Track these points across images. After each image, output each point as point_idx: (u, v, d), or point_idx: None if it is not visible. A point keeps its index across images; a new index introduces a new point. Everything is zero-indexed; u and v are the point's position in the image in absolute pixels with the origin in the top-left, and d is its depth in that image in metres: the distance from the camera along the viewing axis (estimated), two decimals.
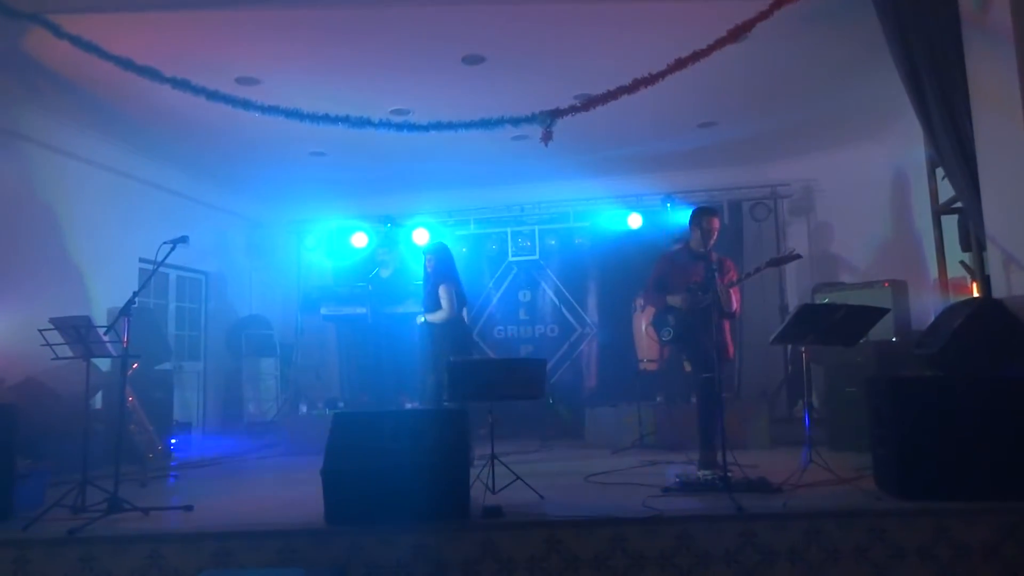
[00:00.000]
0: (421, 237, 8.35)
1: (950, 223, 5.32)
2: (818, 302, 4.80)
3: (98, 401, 6.63)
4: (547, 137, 4.21)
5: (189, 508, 4.08)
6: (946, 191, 5.25)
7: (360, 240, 8.57)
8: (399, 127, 4.21)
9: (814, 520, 3.55)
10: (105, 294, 7.07)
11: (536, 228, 8.51)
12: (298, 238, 9.09)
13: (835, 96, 6.61)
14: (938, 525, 3.49)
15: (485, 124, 4.22)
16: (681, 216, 7.91)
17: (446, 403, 4.75)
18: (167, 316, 8.33)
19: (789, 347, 7.92)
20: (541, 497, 4.05)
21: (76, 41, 4.04)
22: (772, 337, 3.93)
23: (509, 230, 8.56)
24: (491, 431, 4.25)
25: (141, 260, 7.78)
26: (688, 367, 6.36)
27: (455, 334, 5.29)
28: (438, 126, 4.22)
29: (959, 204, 4.80)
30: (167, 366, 7.63)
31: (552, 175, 8.45)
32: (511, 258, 8.56)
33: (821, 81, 6.26)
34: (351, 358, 8.08)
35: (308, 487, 4.81)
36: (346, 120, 4.16)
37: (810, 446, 4.08)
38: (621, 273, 7.96)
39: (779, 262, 4.17)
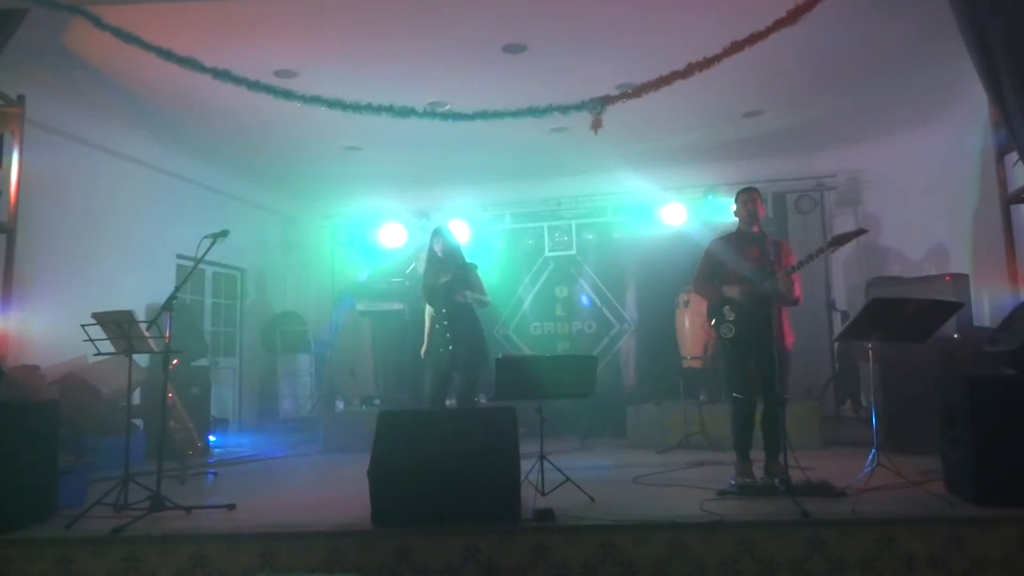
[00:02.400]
0: (456, 231, 8.19)
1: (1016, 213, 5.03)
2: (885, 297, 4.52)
3: (136, 397, 6.64)
4: (597, 125, 4.04)
5: (232, 507, 4.00)
6: (1015, 180, 4.98)
7: (395, 235, 8.47)
8: (443, 116, 4.07)
9: (886, 527, 3.36)
10: (144, 290, 7.07)
11: (573, 223, 8.32)
12: (332, 234, 9.03)
13: (886, 83, 6.35)
14: (1021, 533, 3.29)
15: (532, 112, 4.08)
16: (723, 210, 7.71)
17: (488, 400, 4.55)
18: (203, 312, 8.32)
19: (836, 344, 7.69)
20: (592, 499, 3.90)
21: (117, 32, 3.98)
22: (839, 333, 3.73)
23: (546, 224, 8.38)
24: (540, 430, 4.10)
25: (179, 256, 7.79)
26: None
27: (482, 329, 5.01)
28: (483, 115, 4.08)
29: None
30: (204, 362, 7.63)
31: (590, 168, 8.29)
32: (547, 253, 8.38)
33: (872, 67, 6.00)
34: (387, 355, 7.97)
35: (350, 487, 4.73)
36: (389, 110, 4.04)
37: (877, 448, 3.86)
38: (661, 268, 7.74)
39: (844, 239, 3.93)
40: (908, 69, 6.01)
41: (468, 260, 5.14)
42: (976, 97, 6.17)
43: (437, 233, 5.13)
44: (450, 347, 4.77)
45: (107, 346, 4.18)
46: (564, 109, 4.01)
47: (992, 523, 3.33)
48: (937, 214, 7.41)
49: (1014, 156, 4.88)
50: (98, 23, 4.01)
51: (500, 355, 4.67)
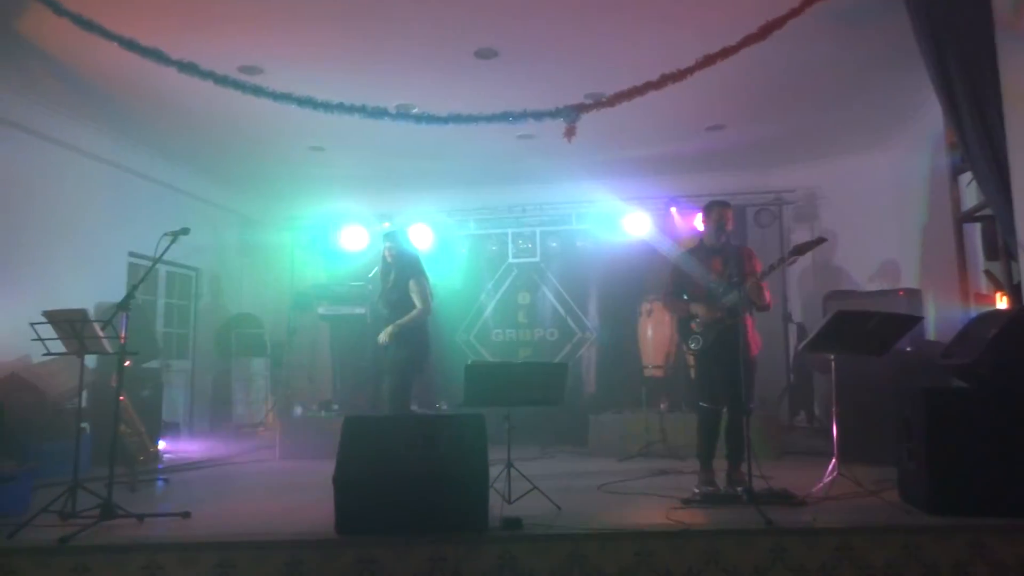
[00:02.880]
0: (420, 236, 8.15)
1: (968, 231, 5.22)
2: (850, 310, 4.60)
3: (83, 400, 6.38)
4: (571, 133, 4.04)
5: (187, 515, 3.85)
6: (968, 200, 5.16)
7: (357, 238, 8.35)
8: (416, 118, 4.02)
9: (845, 536, 3.42)
10: (93, 288, 6.83)
11: (537, 230, 8.34)
12: (292, 235, 8.86)
13: (845, 103, 6.54)
14: (974, 541, 3.38)
15: (507, 117, 4.05)
16: (685, 220, 7.82)
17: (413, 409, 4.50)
18: (156, 312, 8.06)
19: (792, 356, 7.85)
20: (558, 508, 3.88)
21: (77, 19, 3.82)
22: (804, 343, 3.79)
23: (510, 231, 8.38)
24: (508, 438, 4.07)
25: (131, 254, 7.54)
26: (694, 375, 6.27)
27: (426, 334, 4.92)
28: (457, 118, 4.04)
29: (983, 212, 4.72)
30: (155, 364, 7.38)
31: (555, 176, 8.32)
32: (511, 259, 8.38)
33: (833, 87, 6.17)
34: (346, 359, 7.84)
35: (310, 494, 4.64)
36: (362, 110, 3.97)
37: (837, 457, 3.94)
38: (624, 277, 7.82)
39: (805, 248, 4.02)
40: (865, 91, 6.21)
41: (419, 267, 5.07)
42: (926, 120, 6.43)
43: (386, 238, 5.12)
44: (386, 350, 4.75)
45: (58, 346, 4.00)
46: (539, 116, 4.00)
47: (945, 531, 3.42)
48: (889, 231, 7.64)
49: (967, 176, 5.07)
50: (57, 9, 3.85)
51: (470, 361, 4.61)
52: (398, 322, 4.78)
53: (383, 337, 4.87)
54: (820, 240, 4.00)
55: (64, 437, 5.69)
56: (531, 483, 4.02)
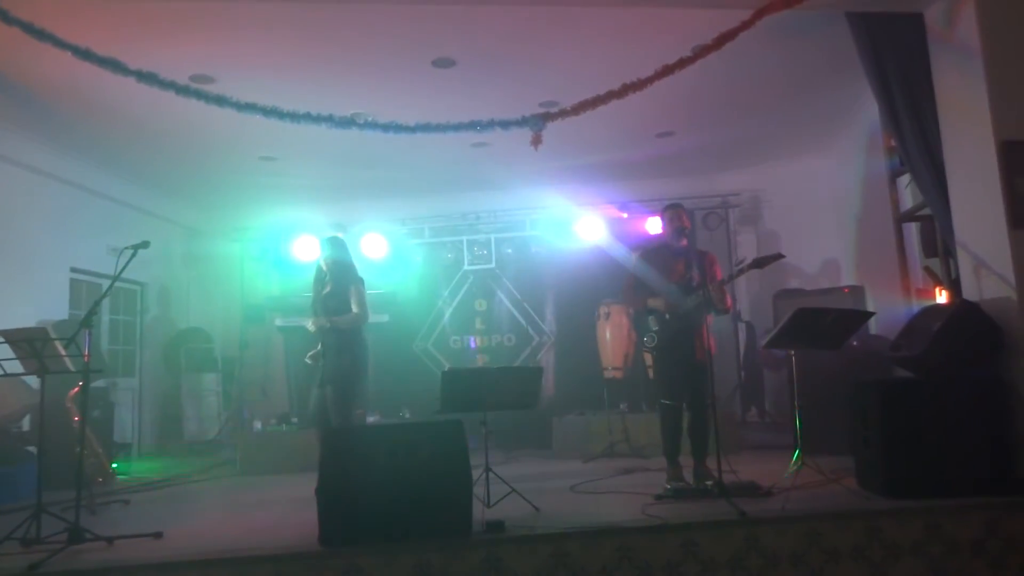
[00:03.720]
0: (373, 246, 8.11)
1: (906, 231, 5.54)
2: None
3: (26, 423, 6.11)
4: (537, 141, 4.13)
5: (159, 535, 3.75)
6: (905, 201, 5.48)
7: (309, 249, 8.23)
8: (385, 128, 4.03)
9: (813, 522, 3.60)
10: (34, 306, 6.56)
11: (492, 236, 8.40)
12: (242, 247, 8.66)
13: (788, 110, 6.84)
14: (929, 522, 3.60)
15: (474, 126, 4.10)
16: (638, 225, 8.01)
17: (343, 419, 4.47)
18: (100, 330, 7.77)
19: (742, 353, 8.14)
20: (537, 509, 3.94)
21: (28, 28, 3.69)
22: (767, 339, 3.97)
23: (465, 239, 8.42)
24: (486, 443, 4.11)
25: (73, 270, 7.27)
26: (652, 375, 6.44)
27: (365, 341, 4.88)
28: (426, 128, 4.07)
29: (921, 212, 5.02)
30: (101, 383, 7.13)
31: (509, 183, 8.40)
32: (467, 267, 8.41)
33: (777, 95, 6.45)
34: (303, 372, 7.72)
35: (283, 508, 4.61)
36: (329, 119, 3.95)
37: (800, 449, 4.13)
38: (579, 282, 7.95)
39: (764, 262, 4.20)
40: (807, 99, 6.51)
41: (356, 274, 5.02)
42: (861, 125, 6.79)
43: (321, 245, 5.08)
44: (321, 360, 4.72)
45: (15, 366, 3.84)
46: (506, 124, 4.06)
47: (903, 514, 3.63)
48: (829, 231, 8.02)
49: (905, 179, 5.39)
50: (5, 17, 3.71)
51: (447, 367, 4.61)
52: (333, 318, 4.76)
53: (311, 325, 4.85)
54: (778, 255, 4.19)
55: (9, 461, 5.46)
56: (509, 486, 4.07)
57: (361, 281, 4.97)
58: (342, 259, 4.98)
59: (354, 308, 4.79)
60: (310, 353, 4.87)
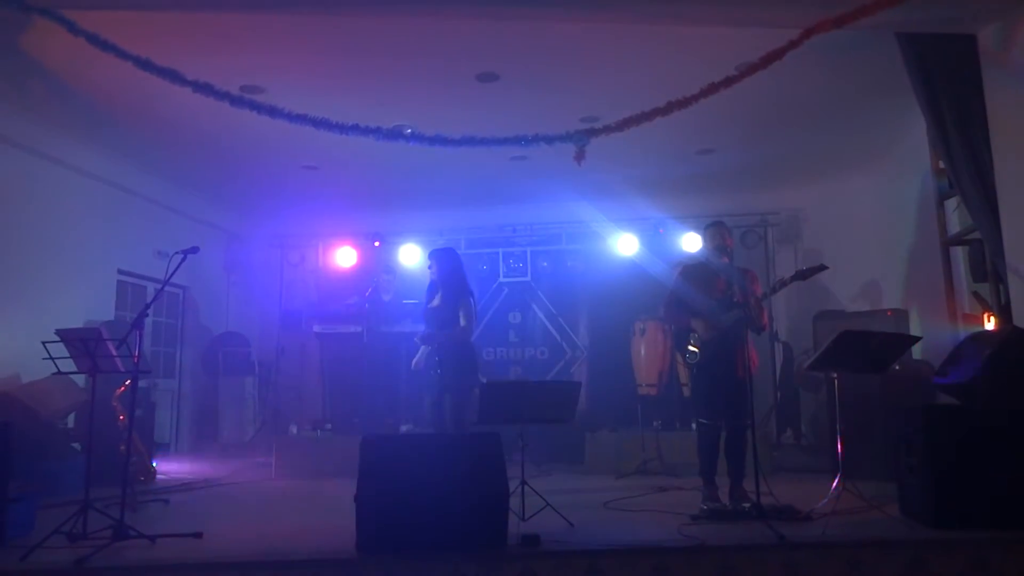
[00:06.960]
0: (410, 256, 8.20)
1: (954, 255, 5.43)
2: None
3: (71, 420, 6.27)
4: (580, 157, 4.15)
5: (199, 535, 3.82)
6: (953, 225, 5.37)
7: (347, 257, 8.36)
8: (431, 141, 4.08)
9: (855, 549, 3.52)
10: (82, 306, 6.76)
11: (528, 250, 8.44)
12: (281, 253, 8.82)
13: (832, 128, 6.76)
14: (976, 555, 3.49)
15: (519, 141, 4.13)
16: (674, 241, 7.98)
17: (471, 425, 4.53)
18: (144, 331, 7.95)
19: (778, 374, 8.01)
20: (571, 524, 3.93)
21: (93, 39, 3.83)
22: (808, 362, 3.91)
23: (501, 251, 8.47)
24: (522, 456, 4.11)
25: (120, 272, 7.46)
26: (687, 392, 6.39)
27: (473, 352, 4.99)
28: (470, 141, 4.12)
29: (970, 236, 4.92)
30: (143, 383, 7.28)
31: (546, 197, 8.42)
32: (502, 279, 8.45)
33: (821, 113, 6.38)
34: (339, 378, 7.81)
35: (317, 513, 4.66)
36: (377, 131, 4.02)
37: (842, 474, 4.05)
38: (614, 297, 7.92)
39: (807, 274, 4.15)
40: (852, 118, 6.43)
41: (468, 287, 5.11)
42: (907, 146, 6.68)
43: (430, 256, 5.20)
44: (438, 370, 4.76)
45: (68, 364, 3.96)
46: (550, 140, 4.09)
47: (949, 545, 3.53)
48: (871, 252, 7.87)
49: (953, 202, 5.29)
50: (72, 28, 3.85)
51: (484, 380, 4.65)
52: (441, 331, 4.90)
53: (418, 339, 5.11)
54: (822, 267, 4.14)
55: (56, 457, 5.61)
56: (545, 500, 4.06)
57: (471, 294, 5.07)
58: (454, 271, 5.06)
59: (462, 321, 4.86)
60: (415, 360, 5.19)
